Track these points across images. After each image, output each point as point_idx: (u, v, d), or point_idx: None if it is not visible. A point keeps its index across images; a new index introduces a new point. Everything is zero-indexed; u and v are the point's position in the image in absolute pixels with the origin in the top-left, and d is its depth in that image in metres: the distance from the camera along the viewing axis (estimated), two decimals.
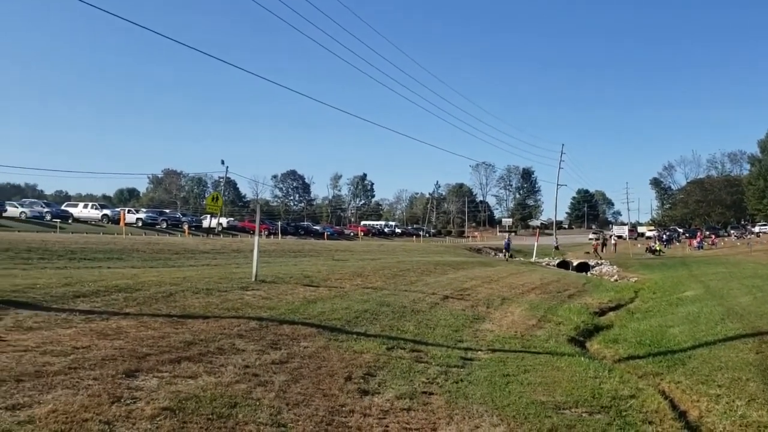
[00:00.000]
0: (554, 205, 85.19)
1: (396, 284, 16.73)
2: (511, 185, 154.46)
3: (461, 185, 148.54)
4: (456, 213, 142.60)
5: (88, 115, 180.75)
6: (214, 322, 9.01)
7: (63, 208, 53.10)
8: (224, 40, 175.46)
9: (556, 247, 55.68)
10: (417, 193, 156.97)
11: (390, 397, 6.35)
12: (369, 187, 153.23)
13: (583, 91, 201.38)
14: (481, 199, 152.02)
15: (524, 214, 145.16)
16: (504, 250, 51.04)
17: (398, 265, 22.84)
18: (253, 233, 55.77)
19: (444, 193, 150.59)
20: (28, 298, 9.22)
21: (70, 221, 47.50)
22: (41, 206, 51.55)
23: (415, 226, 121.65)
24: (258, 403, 5.48)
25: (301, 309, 10.91)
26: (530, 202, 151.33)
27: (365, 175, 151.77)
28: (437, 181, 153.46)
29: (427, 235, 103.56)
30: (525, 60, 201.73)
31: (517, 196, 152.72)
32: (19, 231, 32.48)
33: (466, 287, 18.32)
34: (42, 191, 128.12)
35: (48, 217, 46.73)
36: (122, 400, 5.06)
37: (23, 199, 62.83)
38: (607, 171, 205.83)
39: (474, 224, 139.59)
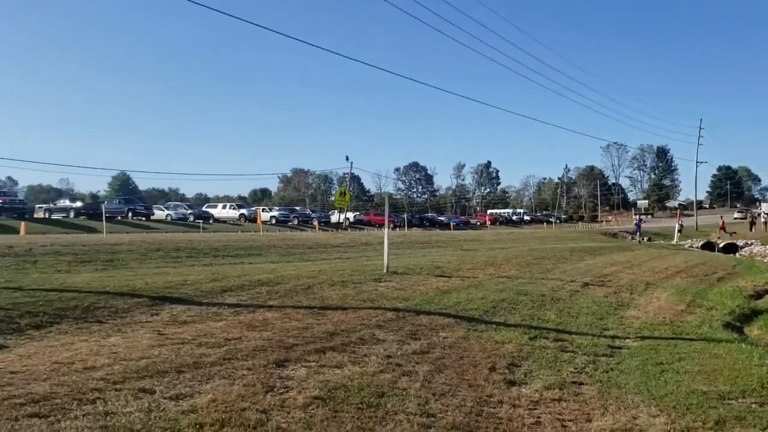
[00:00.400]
0: (694, 184, 79.76)
1: (531, 272, 16.30)
2: (646, 165, 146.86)
3: (592, 168, 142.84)
4: (587, 197, 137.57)
5: (222, 116, 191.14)
6: (352, 313, 9.15)
7: (204, 209, 56.62)
8: (339, 32, 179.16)
9: (680, 230, 51.57)
10: (545, 179, 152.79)
11: (538, 387, 6.11)
12: (494, 175, 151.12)
13: (722, 61, 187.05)
14: (614, 181, 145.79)
15: (660, 195, 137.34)
16: (635, 233, 48.64)
17: (531, 253, 22.31)
18: (379, 226, 56.69)
19: (574, 177, 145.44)
20: (181, 294, 9.81)
21: (210, 221, 50.50)
22: (184, 208, 55.32)
23: (544, 212, 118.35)
24: (405, 393, 5.44)
25: (436, 299, 10.85)
26: (666, 182, 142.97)
27: (489, 162, 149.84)
28: (566, 165, 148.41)
29: (557, 221, 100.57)
30: (662, 32, 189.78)
31: (652, 176, 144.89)
32: (166, 232, 34.96)
33: (606, 273, 17.56)
34: (183, 194, 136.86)
35: (191, 219, 50.01)
36: (275, 390, 5.20)
37: (168, 203, 67.76)
38: (751, 145, 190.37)
39: (607, 208, 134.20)
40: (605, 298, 12.98)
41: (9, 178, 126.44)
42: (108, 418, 4.23)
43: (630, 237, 50.34)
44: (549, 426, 5.13)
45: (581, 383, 6.43)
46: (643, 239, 46.59)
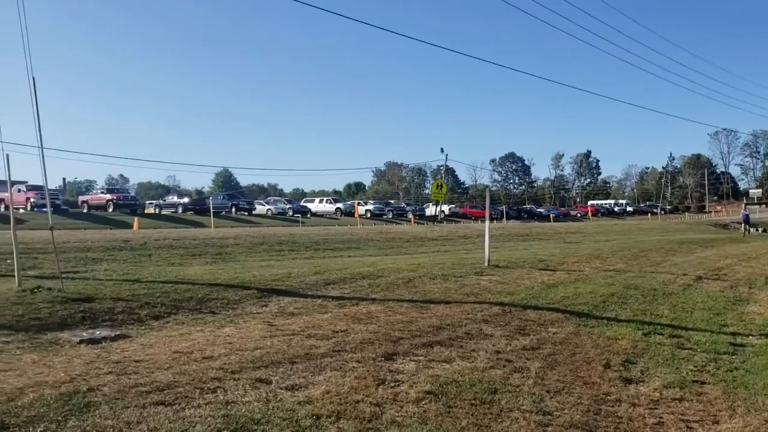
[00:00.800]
0: None
1: (639, 265, 15.63)
2: (759, 152, 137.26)
3: (698, 156, 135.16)
4: (694, 187, 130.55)
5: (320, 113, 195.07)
6: (456, 307, 9.06)
7: (302, 203, 58.14)
8: (434, 26, 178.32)
9: None
10: (648, 168, 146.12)
11: (657, 385, 5.80)
12: (594, 165, 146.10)
13: None
14: (723, 169, 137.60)
15: None
16: (743, 224, 45.65)
17: (638, 246, 21.46)
18: (475, 219, 56.03)
19: (679, 166, 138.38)
20: (287, 286, 10.06)
21: (308, 215, 51.79)
22: (284, 203, 57.06)
23: (647, 203, 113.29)
24: (518, 390, 5.29)
25: (542, 294, 10.58)
26: None
27: (589, 152, 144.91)
28: (671, 153, 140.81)
29: (662, 212, 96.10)
30: None
31: (767, 163, 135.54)
32: (267, 227, 36.09)
33: (720, 266, 16.59)
34: (282, 189, 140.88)
35: (290, 213, 51.51)
36: (386, 383, 5.19)
37: (268, 198, 70.01)
38: None
39: (715, 198, 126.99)
40: (721, 292, 12.25)
41: (121, 175, 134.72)
42: (229, 407, 4.35)
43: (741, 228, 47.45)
44: (673, 427, 4.86)
45: (703, 382, 6.06)
46: (757, 230, 43.60)
